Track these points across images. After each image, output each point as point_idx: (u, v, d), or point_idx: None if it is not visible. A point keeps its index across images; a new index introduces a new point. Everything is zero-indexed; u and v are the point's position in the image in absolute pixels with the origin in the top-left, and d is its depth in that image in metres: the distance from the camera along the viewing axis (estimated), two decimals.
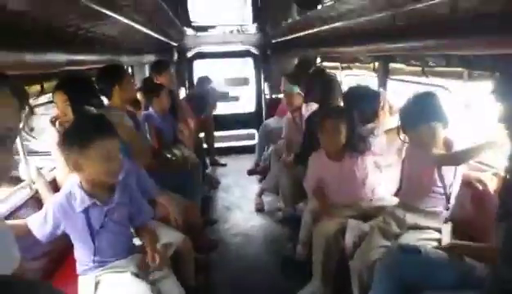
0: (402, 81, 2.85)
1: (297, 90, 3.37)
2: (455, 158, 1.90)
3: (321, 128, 2.28)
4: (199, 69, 5.63)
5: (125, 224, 1.72)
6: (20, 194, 1.89)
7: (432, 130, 1.89)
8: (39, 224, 1.61)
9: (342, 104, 3.04)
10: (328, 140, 2.28)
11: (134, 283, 1.60)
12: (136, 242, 1.87)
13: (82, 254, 1.67)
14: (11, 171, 0.84)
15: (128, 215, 1.72)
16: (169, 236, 2.09)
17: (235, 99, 5.87)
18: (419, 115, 1.91)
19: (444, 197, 1.97)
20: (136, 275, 1.65)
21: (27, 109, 0.92)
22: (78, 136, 1.53)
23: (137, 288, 1.59)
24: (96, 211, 1.62)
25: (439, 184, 1.95)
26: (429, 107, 1.91)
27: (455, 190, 1.97)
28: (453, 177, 1.95)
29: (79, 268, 1.69)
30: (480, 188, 1.89)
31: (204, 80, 5.12)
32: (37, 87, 2.19)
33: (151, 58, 4.42)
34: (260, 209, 3.79)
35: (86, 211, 1.60)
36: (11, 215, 1.70)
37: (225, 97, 5.33)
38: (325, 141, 2.30)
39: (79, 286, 1.64)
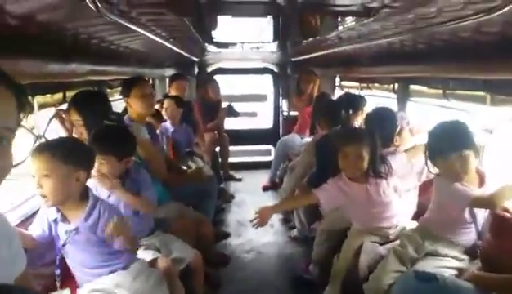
0: (423, 103, 2.81)
1: None
2: (491, 202, 1.73)
3: (343, 154, 2.13)
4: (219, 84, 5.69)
5: (95, 245, 1.62)
6: (35, 200, 1.92)
7: (463, 158, 1.76)
8: (39, 229, 1.63)
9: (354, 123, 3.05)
10: (350, 166, 2.12)
11: None
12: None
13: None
14: (7, 172, 0.82)
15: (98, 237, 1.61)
16: (181, 250, 2.08)
17: (253, 114, 5.89)
18: (450, 143, 1.79)
19: (473, 230, 1.87)
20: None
21: (28, 109, 0.86)
22: None
23: None
24: (60, 227, 1.60)
25: (469, 220, 1.85)
26: (460, 134, 1.79)
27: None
28: (484, 211, 1.85)
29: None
30: (508, 216, 1.81)
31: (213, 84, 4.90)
32: (59, 95, 2.24)
33: (172, 72, 4.51)
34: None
35: (55, 223, 1.59)
36: (27, 220, 1.72)
37: (233, 113, 5.01)
38: (347, 167, 2.14)
39: None
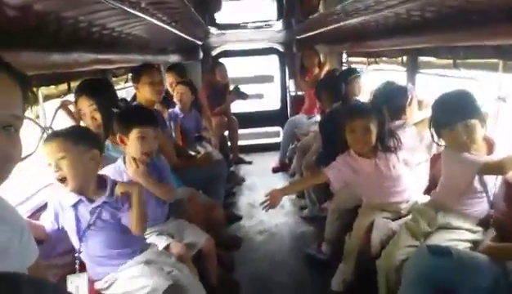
0: (432, 74, 2.74)
1: None
2: (501, 167, 1.69)
3: (350, 129, 2.10)
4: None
5: (117, 225, 1.65)
6: (46, 191, 1.94)
7: (469, 128, 1.72)
8: (48, 221, 1.66)
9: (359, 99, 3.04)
10: (358, 140, 2.10)
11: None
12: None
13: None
14: (17, 160, 0.83)
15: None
16: (193, 235, 2.10)
17: (260, 96, 5.85)
18: (455, 112, 1.75)
19: (485, 199, 1.84)
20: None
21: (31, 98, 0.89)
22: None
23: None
24: (83, 209, 1.62)
25: (480, 189, 1.82)
26: (465, 103, 1.75)
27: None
28: (495, 179, 1.81)
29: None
30: None
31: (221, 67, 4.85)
32: (64, 86, 2.25)
33: (177, 58, 4.48)
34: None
35: (75, 207, 1.62)
36: (38, 212, 1.74)
37: (241, 95, 4.89)
38: (355, 142, 2.12)
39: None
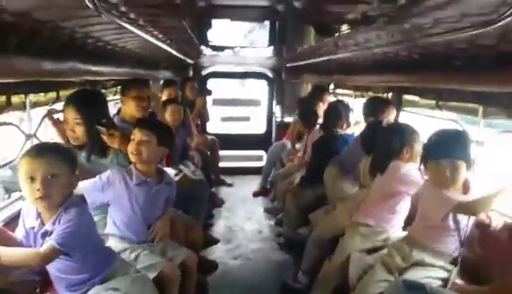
0: (415, 113, 2.84)
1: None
2: (474, 207, 1.76)
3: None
4: (213, 87, 5.69)
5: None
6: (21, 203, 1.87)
7: (454, 167, 1.79)
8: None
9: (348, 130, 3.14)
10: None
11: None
12: None
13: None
14: None
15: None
16: (176, 251, 2.07)
17: (246, 119, 5.89)
18: (444, 149, 1.82)
19: (457, 238, 1.88)
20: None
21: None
22: None
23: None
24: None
25: (453, 226, 1.87)
26: (456, 143, 1.83)
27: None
28: (468, 219, 1.86)
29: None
30: (490, 228, 1.83)
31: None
32: (53, 94, 2.22)
33: (167, 74, 4.50)
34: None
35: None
36: (13, 221, 1.68)
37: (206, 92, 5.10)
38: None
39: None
